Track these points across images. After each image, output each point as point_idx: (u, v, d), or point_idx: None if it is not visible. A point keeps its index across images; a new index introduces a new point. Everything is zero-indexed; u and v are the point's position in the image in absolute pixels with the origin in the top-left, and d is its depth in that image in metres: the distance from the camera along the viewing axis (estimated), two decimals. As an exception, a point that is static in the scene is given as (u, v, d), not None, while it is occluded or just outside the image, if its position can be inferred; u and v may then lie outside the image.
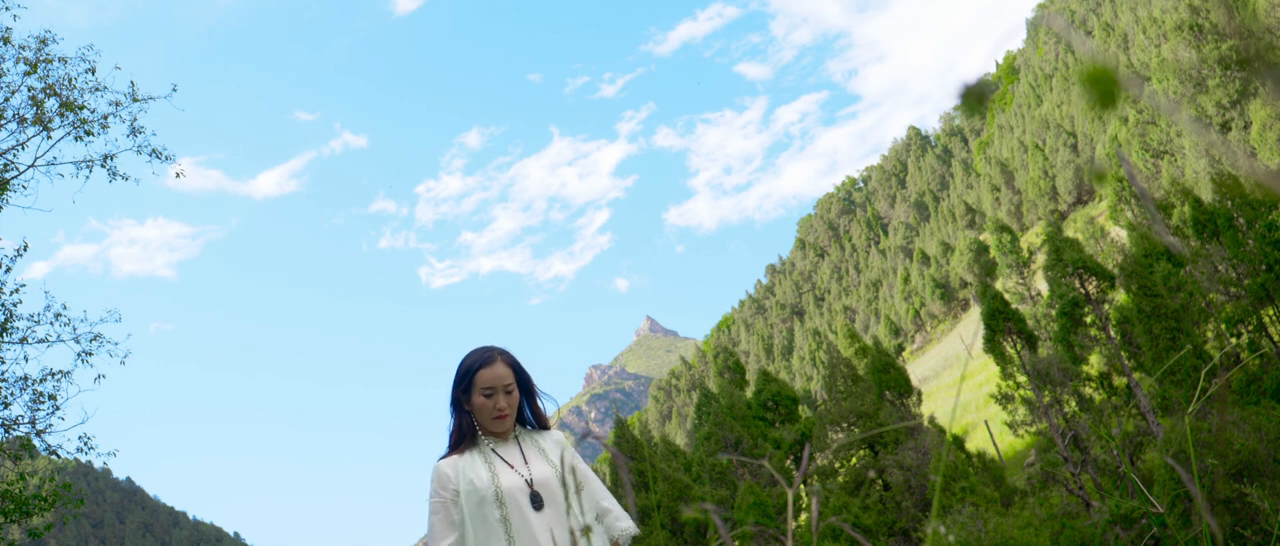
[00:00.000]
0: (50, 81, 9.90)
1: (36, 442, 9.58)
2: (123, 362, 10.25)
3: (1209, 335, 16.94)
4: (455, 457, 2.55)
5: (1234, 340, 16.37)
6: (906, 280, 68.85)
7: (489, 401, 2.54)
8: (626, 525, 2.61)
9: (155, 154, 10.57)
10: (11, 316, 9.71)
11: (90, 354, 9.97)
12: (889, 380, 20.08)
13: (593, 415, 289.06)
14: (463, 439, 2.58)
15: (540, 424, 2.69)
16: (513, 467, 2.52)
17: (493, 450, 2.57)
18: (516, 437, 2.63)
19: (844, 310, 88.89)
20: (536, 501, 2.46)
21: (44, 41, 9.93)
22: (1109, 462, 15.44)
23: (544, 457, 2.58)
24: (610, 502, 2.64)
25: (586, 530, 2.53)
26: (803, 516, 20.77)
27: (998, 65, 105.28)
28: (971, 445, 26.69)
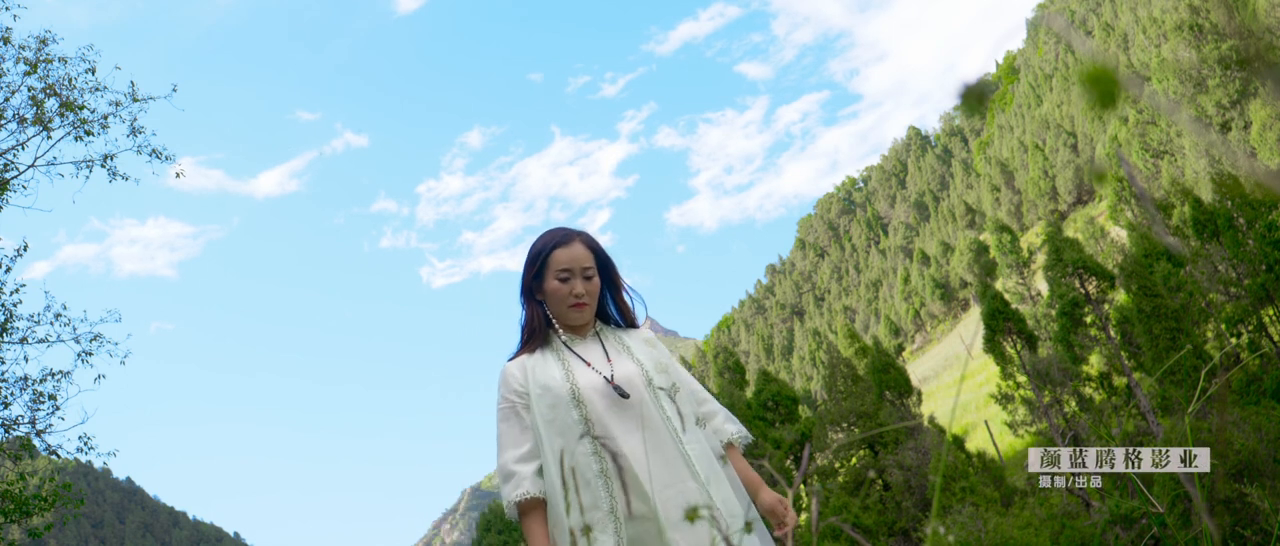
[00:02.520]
0: (50, 81, 9.91)
1: (36, 442, 9.57)
2: (123, 362, 10.24)
3: (1209, 335, 16.94)
4: (524, 357, 2.21)
5: (1234, 340, 16.37)
6: (906, 280, 68.85)
7: (565, 286, 2.22)
8: (737, 429, 2.29)
9: (155, 154, 10.57)
10: (11, 316, 9.72)
11: (90, 354, 9.97)
12: (889, 380, 20.07)
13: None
14: (534, 333, 2.24)
15: (627, 321, 2.35)
16: (590, 365, 2.17)
17: (567, 346, 2.23)
18: (598, 334, 2.29)
19: (844, 310, 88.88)
20: (619, 398, 2.11)
21: (44, 41, 9.94)
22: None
23: (629, 355, 2.23)
24: (713, 404, 2.30)
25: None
26: (803, 516, 20.77)
27: (998, 65, 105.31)
28: (971, 445, 26.67)
